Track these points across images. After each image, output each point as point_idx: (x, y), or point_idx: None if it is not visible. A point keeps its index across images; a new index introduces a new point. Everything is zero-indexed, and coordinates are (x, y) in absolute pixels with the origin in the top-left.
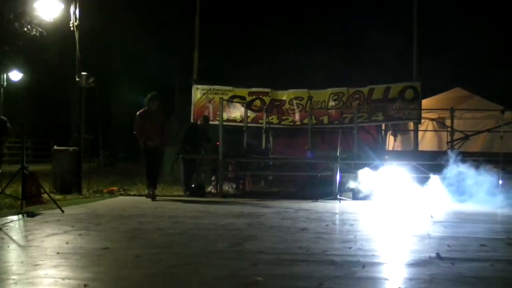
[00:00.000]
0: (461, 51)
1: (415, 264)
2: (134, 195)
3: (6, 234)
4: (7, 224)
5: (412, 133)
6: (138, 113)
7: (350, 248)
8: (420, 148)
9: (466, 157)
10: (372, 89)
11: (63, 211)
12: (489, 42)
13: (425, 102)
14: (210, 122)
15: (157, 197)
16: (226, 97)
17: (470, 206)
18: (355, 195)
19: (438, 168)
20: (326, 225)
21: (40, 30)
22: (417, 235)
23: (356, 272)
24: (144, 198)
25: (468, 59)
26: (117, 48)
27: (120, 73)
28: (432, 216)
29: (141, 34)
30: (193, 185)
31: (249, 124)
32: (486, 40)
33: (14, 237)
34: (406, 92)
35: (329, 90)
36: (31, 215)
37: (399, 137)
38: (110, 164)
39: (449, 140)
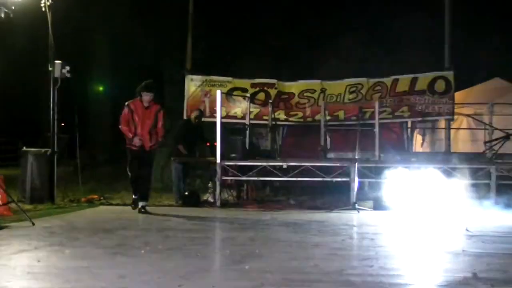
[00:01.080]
0: (501, 35)
1: (447, 285)
2: (118, 204)
3: None
4: None
5: (443, 132)
6: (126, 103)
7: (371, 266)
8: (453, 149)
9: (507, 160)
10: (396, 80)
11: (33, 224)
12: None
13: (459, 95)
14: (207, 119)
15: (145, 209)
16: (225, 90)
17: None
18: (376, 204)
19: (474, 173)
20: (343, 240)
21: (6, 10)
22: (449, 252)
23: None
24: (129, 208)
25: (509, 45)
26: (98, 33)
27: (101, 62)
28: (467, 229)
29: (126, 16)
30: (186, 193)
31: (251, 121)
32: None
33: None
34: (437, 83)
35: (346, 81)
36: None
37: (428, 136)
38: (89, 168)
39: (487, 139)
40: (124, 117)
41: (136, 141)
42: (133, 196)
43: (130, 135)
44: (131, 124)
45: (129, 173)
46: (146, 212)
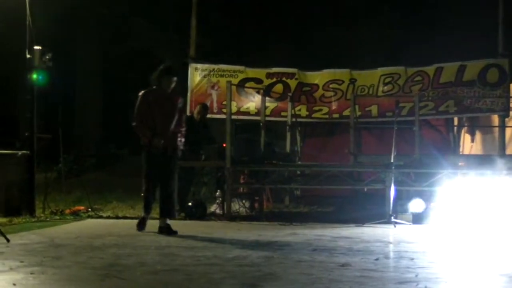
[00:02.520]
0: None
1: None
2: (109, 217)
3: None
4: None
5: (496, 131)
6: (141, 93)
7: None
8: (508, 152)
9: None
10: (440, 69)
11: (8, 240)
12: None
13: None
14: (214, 116)
15: (169, 228)
16: (235, 81)
17: None
18: (416, 217)
19: None
20: (376, 259)
21: None
22: (504, 274)
23: None
24: (122, 221)
25: None
26: (85, 14)
27: (89, 48)
28: None
29: None
30: (190, 203)
31: (267, 118)
32: None
33: None
34: (489, 72)
35: (380, 71)
36: None
37: (478, 136)
38: (74, 174)
39: None
40: (139, 111)
41: (157, 143)
42: (143, 214)
43: (148, 135)
44: (149, 120)
45: (145, 184)
46: (170, 233)
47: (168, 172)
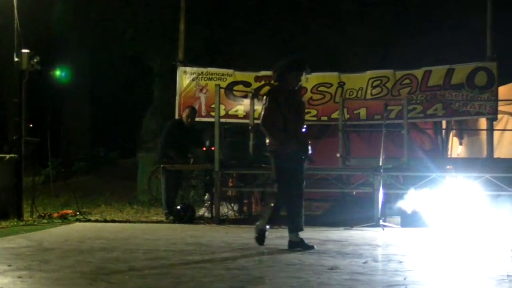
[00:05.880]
0: None
1: None
2: (97, 221)
3: None
4: None
5: (485, 134)
6: (268, 92)
7: None
8: (496, 155)
9: None
10: (429, 72)
11: None
12: None
13: (504, 90)
14: (203, 119)
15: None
16: (224, 84)
17: None
18: (404, 220)
19: None
20: (365, 263)
21: None
22: (493, 277)
23: None
24: (111, 225)
25: None
26: (74, 18)
27: (77, 51)
28: None
29: None
30: (178, 207)
31: (256, 121)
32: None
33: None
34: (477, 75)
35: (369, 74)
36: None
37: (466, 139)
38: (62, 178)
39: None
40: (268, 112)
41: (294, 145)
42: (266, 228)
43: (282, 138)
44: (279, 122)
45: (280, 191)
46: (309, 247)
47: (302, 178)
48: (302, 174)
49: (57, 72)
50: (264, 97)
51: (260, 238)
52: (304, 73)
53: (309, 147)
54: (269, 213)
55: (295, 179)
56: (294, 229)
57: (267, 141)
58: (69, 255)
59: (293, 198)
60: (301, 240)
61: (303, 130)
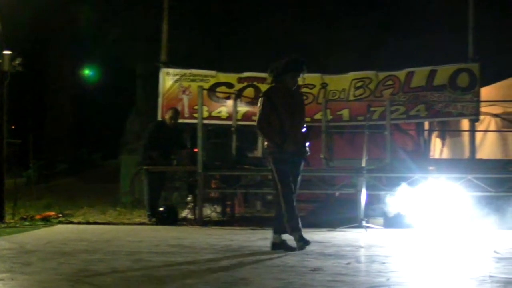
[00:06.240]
0: None
1: None
2: (79, 223)
3: None
4: None
5: (467, 135)
6: (263, 93)
7: None
8: (478, 156)
9: None
10: (411, 73)
11: None
12: None
13: (486, 91)
14: (186, 120)
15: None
16: (207, 85)
17: None
18: (387, 221)
19: (504, 184)
20: (348, 264)
21: None
22: (475, 278)
23: None
24: (93, 227)
25: None
26: (57, 18)
27: (60, 52)
28: (495, 251)
29: None
30: (161, 209)
31: (239, 122)
32: None
33: None
34: (459, 77)
35: (351, 75)
36: None
37: (448, 140)
38: (44, 180)
39: None
40: (264, 113)
41: (291, 147)
42: (299, 233)
43: (278, 140)
44: (276, 123)
45: (283, 194)
46: (286, 248)
47: (298, 180)
48: (298, 176)
49: (86, 71)
50: (260, 98)
51: (302, 239)
52: (301, 74)
53: (307, 149)
54: (285, 220)
55: (294, 181)
56: (278, 230)
57: (265, 143)
58: (52, 257)
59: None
60: (283, 241)
61: (303, 131)
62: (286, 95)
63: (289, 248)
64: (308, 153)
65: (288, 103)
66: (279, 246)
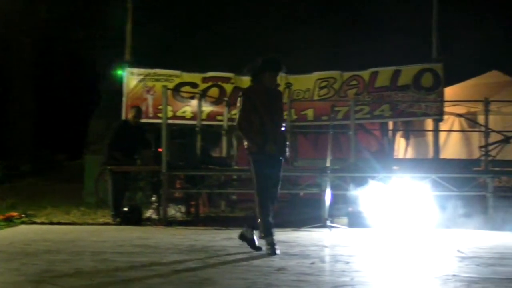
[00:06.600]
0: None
1: None
2: (43, 223)
3: None
4: None
5: (431, 135)
6: (242, 93)
7: None
8: (442, 155)
9: (505, 167)
10: (376, 73)
11: None
12: None
13: (449, 92)
14: (150, 120)
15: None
16: (171, 85)
17: None
18: (352, 221)
19: (467, 183)
20: (312, 263)
21: None
22: (438, 277)
23: None
24: (57, 227)
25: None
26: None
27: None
28: (459, 251)
29: None
30: (125, 209)
31: (203, 122)
32: None
33: None
34: (423, 77)
35: (316, 75)
36: None
37: (412, 140)
38: (7, 180)
39: (482, 144)
40: (244, 114)
41: (271, 147)
42: (271, 238)
43: (258, 140)
44: (255, 121)
45: (261, 200)
46: (252, 246)
47: (278, 180)
48: (278, 176)
49: (119, 72)
50: (239, 98)
51: (272, 248)
52: (279, 73)
53: (287, 148)
54: (259, 223)
55: (274, 182)
56: (251, 225)
57: (245, 143)
58: (14, 258)
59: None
60: (252, 238)
61: (282, 129)
62: (265, 95)
63: (254, 247)
64: (288, 153)
65: (267, 103)
66: (245, 239)
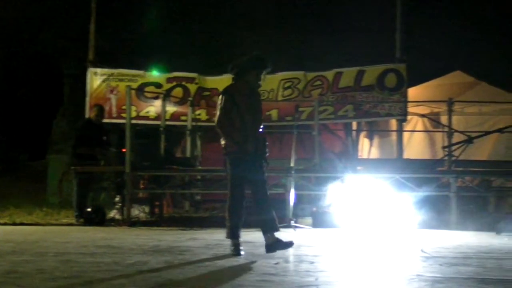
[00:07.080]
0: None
1: None
2: (5, 224)
3: None
4: None
5: (394, 135)
6: (223, 91)
7: None
8: (405, 156)
9: (469, 167)
10: (339, 74)
11: None
12: (502, 10)
13: (413, 92)
14: (113, 120)
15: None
16: (135, 85)
17: (477, 237)
18: (316, 221)
19: (431, 183)
20: (276, 263)
21: None
22: (402, 277)
23: None
24: (20, 228)
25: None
26: None
27: None
28: (422, 250)
29: None
30: (89, 209)
31: (167, 123)
32: (497, 7)
33: None
34: (387, 77)
35: (280, 75)
36: None
37: (376, 141)
38: None
39: (445, 144)
40: (225, 112)
41: (250, 146)
42: (237, 240)
43: (239, 139)
44: (236, 120)
45: (234, 201)
46: (286, 245)
47: (263, 178)
48: (263, 174)
49: (154, 72)
50: (220, 96)
51: (236, 250)
52: (265, 72)
53: (267, 149)
54: (226, 223)
55: (257, 181)
56: (271, 228)
57: (222, 142)
58: None
59: (259, 200)
60: (278, 239)
61: (260, 130)
62: (247, 94)
63: (286, 245)
64: (268, 153)
65: (249, 102)
66: (275, 246)
